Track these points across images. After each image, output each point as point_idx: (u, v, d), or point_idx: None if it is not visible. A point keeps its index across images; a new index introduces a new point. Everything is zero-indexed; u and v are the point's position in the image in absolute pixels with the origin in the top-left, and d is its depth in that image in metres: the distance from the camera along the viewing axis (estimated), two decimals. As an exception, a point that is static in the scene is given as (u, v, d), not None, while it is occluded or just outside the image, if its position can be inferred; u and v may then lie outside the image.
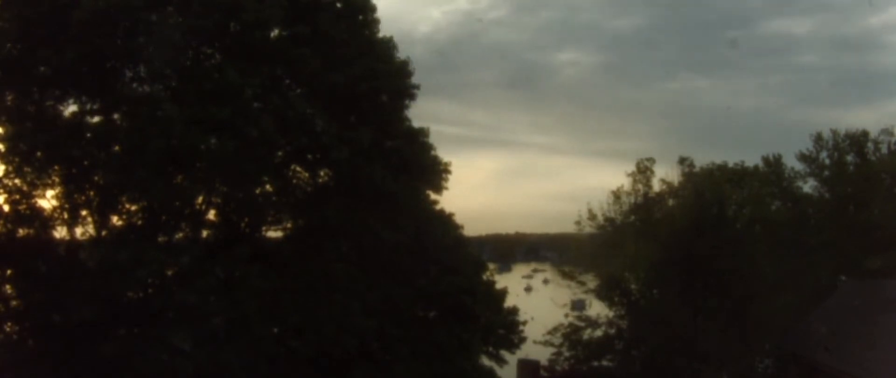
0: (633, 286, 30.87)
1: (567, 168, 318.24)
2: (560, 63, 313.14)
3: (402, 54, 22.43)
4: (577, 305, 33.01)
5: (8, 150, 18.86)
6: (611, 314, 30.36)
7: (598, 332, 29.93)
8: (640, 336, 28.83)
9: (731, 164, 37.16)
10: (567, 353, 29.68)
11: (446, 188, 23.39)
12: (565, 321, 30.39)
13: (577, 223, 32.65)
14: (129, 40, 18.96)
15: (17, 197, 18.92)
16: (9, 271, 19.22)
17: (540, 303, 44.00)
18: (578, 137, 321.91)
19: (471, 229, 27.38)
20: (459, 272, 23.62)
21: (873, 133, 37.77)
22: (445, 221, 24.19)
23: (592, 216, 32.15)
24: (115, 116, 19.32)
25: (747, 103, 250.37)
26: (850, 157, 38.24)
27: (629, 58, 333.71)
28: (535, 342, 28.67)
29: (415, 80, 22.40)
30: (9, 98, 19.08)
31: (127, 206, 19.72)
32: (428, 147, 22.74)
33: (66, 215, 19.42)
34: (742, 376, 27.79)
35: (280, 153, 20.91)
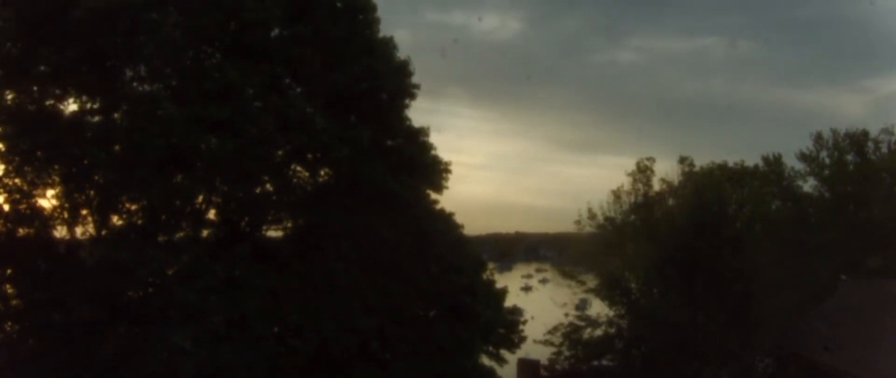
0: (633, 286, 30.81)
1: (521, 159, 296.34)
2: (482, 29, 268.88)
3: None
4: (581, 305, 33.00)
5: (8, 149, 18.83)
6: (611, 313, 30.35)
7: (598, 332, 29.91)
8: (640, 335, 28.78)
9: (731, 164, 37.29)
10: (567, 353, 29.66)
11: (446, 187, 23.47)
12: (565, 320, 30.39)
13: (577, 222, 32.70)
14: (129, 39, 18.93)
15: (17, 196, 18.88)
16: (9, 271, 19.18)
17: (540, 302, 43.99)
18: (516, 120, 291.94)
19: (471, 228, 27.36)
20: (460, 271, 23.65)
21: (873, 132, 37.86)
22: (446, 220, 24.20)
23: (592, 215, 32.20)
24: (116, 115, 19.30)
25: (723, 81, 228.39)
26: (850, 157, 38.20)
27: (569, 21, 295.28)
28: (535, 341, 28.70)
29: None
30: (9, 97, 19.05)
31: (127, 205, 19.72)
32: (428, 146, 22.79)
33: (66, 214, 19.41)
34: (742, 376, 27.73)
35: (280, 152, 20.92)
